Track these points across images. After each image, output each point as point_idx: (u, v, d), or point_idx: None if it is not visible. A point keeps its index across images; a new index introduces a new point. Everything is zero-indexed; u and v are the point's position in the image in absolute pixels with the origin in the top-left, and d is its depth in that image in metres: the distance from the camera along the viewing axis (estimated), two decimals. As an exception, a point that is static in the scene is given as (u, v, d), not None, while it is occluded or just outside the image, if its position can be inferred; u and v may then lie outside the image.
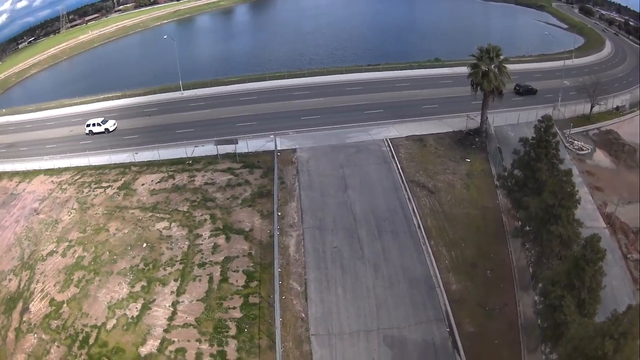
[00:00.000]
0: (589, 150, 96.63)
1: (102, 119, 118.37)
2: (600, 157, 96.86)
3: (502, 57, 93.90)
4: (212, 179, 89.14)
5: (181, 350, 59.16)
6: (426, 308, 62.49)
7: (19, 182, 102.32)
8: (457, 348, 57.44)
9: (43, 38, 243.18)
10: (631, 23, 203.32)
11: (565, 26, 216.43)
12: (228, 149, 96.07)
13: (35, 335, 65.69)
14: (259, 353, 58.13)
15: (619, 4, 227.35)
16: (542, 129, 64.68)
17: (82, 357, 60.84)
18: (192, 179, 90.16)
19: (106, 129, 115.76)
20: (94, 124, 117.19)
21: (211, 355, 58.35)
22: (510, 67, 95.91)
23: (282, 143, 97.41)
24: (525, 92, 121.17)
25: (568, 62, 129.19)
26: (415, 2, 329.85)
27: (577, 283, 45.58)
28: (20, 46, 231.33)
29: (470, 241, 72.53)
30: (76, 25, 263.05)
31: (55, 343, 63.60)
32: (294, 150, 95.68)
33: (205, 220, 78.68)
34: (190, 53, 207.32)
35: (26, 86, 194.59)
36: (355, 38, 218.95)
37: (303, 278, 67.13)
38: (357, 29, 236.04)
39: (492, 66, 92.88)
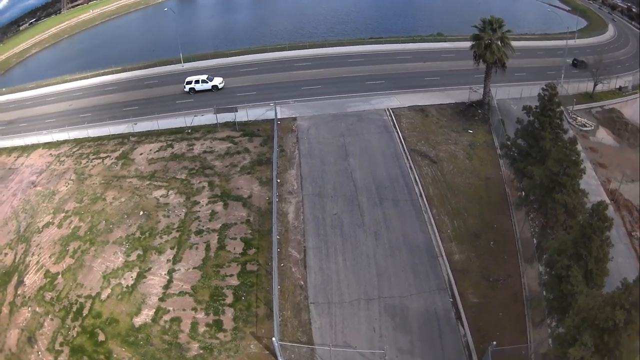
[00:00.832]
0: (592, 127, 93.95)
1: (207, 75, 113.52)
2: (603, 135, 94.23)
3: (504, 28, 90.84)
4: (211, 147, 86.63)
5: (176, 320, 56.71)
6: (428, 277, 59.98)
7: (18, 157, 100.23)
8: (460, 319, 55.06)
9: (44, 19, 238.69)
10: (634, 9, 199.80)
11: (568, 8, 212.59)
12: (227, 117, 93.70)
13: (29, 309, 63.22)
14: (256, 322, 55.70)
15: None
16: (546, 97, 61.65)
17: (75, 329, 58.41)
18: (191, 147, 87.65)
19: (214, 86, 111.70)
20: (197, 81, 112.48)
21: (207, 324, 55.91)
22: (512, 44, 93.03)
23: (282, 112, 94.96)
24: (580, 64, 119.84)
25: (570, 42, 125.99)
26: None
27: (584, 253, 43.12)
28: (21, 28, 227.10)
29: (472, 211, 69.84)
30: (78, 4, 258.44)
31: (49, 316, 61.17)
32: (294, 119, 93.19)
33: (204, 187, 76.25)
34: (191, 27, 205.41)
35: (27, 66, 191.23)
36: (355, 13, 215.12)
37: (302, 245, 64.64)
38: (358, 4, 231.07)
39: (495, 37, 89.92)
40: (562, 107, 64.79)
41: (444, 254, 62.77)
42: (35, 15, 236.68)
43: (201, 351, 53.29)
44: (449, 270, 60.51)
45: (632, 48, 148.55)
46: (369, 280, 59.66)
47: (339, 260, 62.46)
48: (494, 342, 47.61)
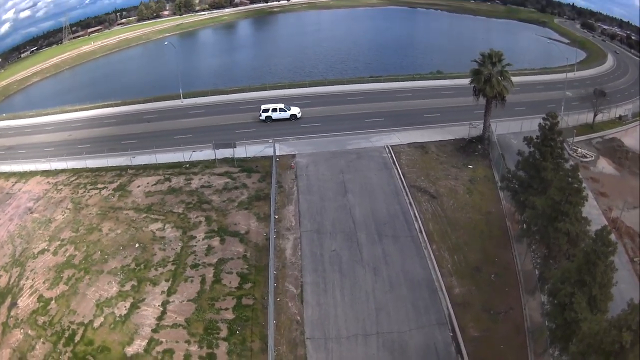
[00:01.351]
0: (593, 158, 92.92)
1: (283, 104, 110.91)
2: (604, 165, 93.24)
3: (504, 62, 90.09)
4: (208, 182, 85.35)
5: (169, 352, 54.85)
6: (428, 312, 58.14)
7: (15, 182, 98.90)
8: (460, 353, 53.03)
9: (45, 48, 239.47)
10: (633, 37, 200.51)
11: (567, 41, 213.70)
12: (226, 153, 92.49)
13: (22, 331, 61.88)
14: (250, 356, 53.68)
15: (621, 19, 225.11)
16: (547, 127, 61.10)
17: (67, 354, 56.85)
18: (189, 181, 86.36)
19: (293, 115, 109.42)
20: (274, 110, 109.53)
21: (200, 357, 53.93)
22: (513, 79, 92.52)
23: (281, 149, 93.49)
24: (600, 93, 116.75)
25: (570, 74, 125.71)
26: (417, 20, 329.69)
27: (587, 279, 41.96)
28: (22, 55, 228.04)
29: (473, 245, 68.28)
30: (79, 36, 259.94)
31: (41, 339, 59.76)
32: (293, 156, 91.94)
33: (200, 222, 74.74)
34: (192, 65, 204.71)
35: (27, 94, 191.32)
36: (355, 52, 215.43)
37: (299, 281, 62.87)
38: (357, 44, 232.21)
39: (495, 71, 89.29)
40: (562, 137, 63.83)
41: (444, 288, 61.00)
42: (37, 43, 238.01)
43: (194, 384, 50.82)
44: (449, 304, 58.65)
45: (632, 77, 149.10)
46: (367, 315, 57.70)
47: (337, 295, 60.60)
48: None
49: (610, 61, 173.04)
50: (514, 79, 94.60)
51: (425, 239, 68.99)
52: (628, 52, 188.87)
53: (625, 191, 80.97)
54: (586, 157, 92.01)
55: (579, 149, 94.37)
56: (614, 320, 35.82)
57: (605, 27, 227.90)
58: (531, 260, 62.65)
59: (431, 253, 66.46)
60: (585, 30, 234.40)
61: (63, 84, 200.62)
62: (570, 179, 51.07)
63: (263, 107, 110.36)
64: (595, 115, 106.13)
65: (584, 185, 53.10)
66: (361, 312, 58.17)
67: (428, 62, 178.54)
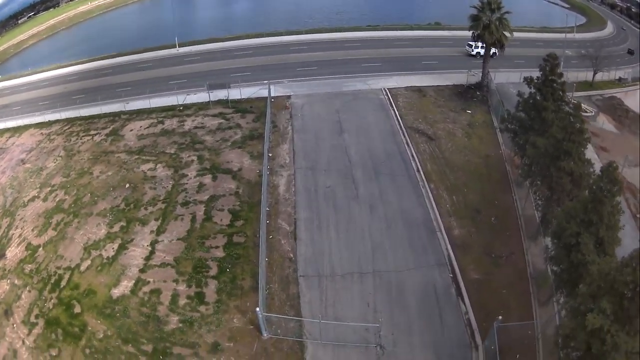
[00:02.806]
0: (593, 114, 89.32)
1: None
2: (604, 121, 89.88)
3: (503, 9, 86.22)
4: (202, 123, 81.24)
5: (156, 292, 51.01)
6: (426, 252, 54.18)
7: (9, 137, 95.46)
8: (461, 295, 49.32)
9: (43, 12, 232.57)
10: (633, 9, 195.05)
11: (567, 5, 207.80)
12: (220, 95, 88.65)
13: (9, 281, 58.27)
14: (240, 295, 49.82)
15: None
16: (547, 68, 57.53)
17: (52, 300, 53.19)
18: (182, 123, 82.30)
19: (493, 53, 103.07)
20: (479, 46, 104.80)
21: (188, 296, 50.07)
22: (511, 33, 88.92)
23: (276, 90, 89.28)
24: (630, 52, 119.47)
25: (570, 35, 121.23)
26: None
27: (594, 218, 38.90)
28: (19, 22, 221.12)
29: (472, 187, 64.25)
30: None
31: (27, 288, 56.21)
32: (289, 97, 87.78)
33: (192, 161, 70.83)
34: (188, 18, 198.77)
35: (24, 56, 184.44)
36: (352, 3, 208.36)
37: (293, 217, 58.96)
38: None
39: (494, 18, 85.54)
40: (565, 76, 59.80)
41: (442, 228, 57.09)
42: (34, 9, 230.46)
43: (180, 325, 47.46)
44: (449, 245, 54.81)
45: (631, 44, 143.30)
46: (363, 253, 53.78)
47: (332, 233, 56.64)
48: (500, 318, 41.83)
49: (609, 27, 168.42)
50: (514, 34, 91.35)
51: (423, 178, 65.04)
52: (628, 23, 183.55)
53: (626, 148, 77.20)
54: (586, 112, 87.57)
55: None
56: (626, 259, 32.07)
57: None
58: (532, 204, 58.60)
59: (429, 192, 62.54)
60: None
61: (59, 44, 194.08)
62: (572, 118, 48.07)
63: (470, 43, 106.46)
64: (595, 74, 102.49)
65: (586, 126, 49.30)
66: (356, 250, 54.25)
67: (426, 15, 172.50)
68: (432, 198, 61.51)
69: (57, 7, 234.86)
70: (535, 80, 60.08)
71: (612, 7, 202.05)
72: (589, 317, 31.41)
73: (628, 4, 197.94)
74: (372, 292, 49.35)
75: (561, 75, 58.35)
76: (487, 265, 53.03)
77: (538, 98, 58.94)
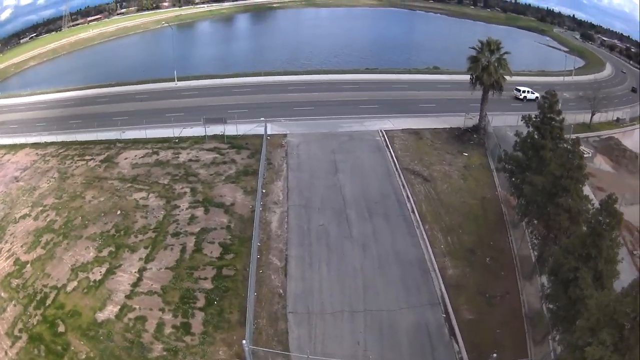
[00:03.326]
0: (590, 155, 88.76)
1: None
2: (601, 162, 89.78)
3: (502, 50, 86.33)
4: (197, 157, 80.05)
5: (141, 319, 49.34)
6: (419, 292, 52.63)
7: (4, 154, 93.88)
8: (454, 335, 47.61)
9: (45, 35, 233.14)
10: (632, 50, 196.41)
11: (566, 49, 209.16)
12: (216, 130, 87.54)
13: (-5, 293, 56.46)
14: (227, 328, 48.02)
15: (621, 33, 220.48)
16: (546, 105, 57.44)
17: (36, 317, 51.68)
18: (177, 155, 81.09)
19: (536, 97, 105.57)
20: (526, 91, 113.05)
21: (174, 326, 48.33)
22: (509, 78, 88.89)
23: (272, 129, 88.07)
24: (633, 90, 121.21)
25: (568, 78, 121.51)
26: (415, 21, 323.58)
27: (593, 252, 38.08)
28: (22, 41, 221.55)
29: (468, 228, 63.03)
30: (78, 24, 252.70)
31: (13, 302, 54.77)
32: (285, 135, 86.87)
33: (185, 192, 69.47)
34: (188, 53, 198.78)
35: (24, 77, 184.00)
36: (350, 48, 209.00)
37: (284, 254, 57.39)
38: (353, 39, 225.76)
39: (492, 59, 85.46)
40: (563, 116, 59.80)
41: (436, 268, 55.67)
42: (37, 30, 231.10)
43: (164, 353, 45.68)
44: (442, 285, 53.33)
45: (630, 85, 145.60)
46: (354, 291, 52.21)
47: (323, 270, 55.14)
48: (495, 355, 40.43)
49: (608, 69, 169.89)
50: (512, 78, 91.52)
51: (418, 219, 63.64)
52: (627, 64, 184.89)
53: (623, 187, 76.38)
54: (583, 154, 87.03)
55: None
56: (626, 289, 31.58)
57: (605, 38, 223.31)
58: (528, 244, 58.18)
59: (424, 233, 61.13)
60: (584, 41, 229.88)
61: (60, 68, 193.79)
62: (571, 155, 47.22)
63: (519, 88, 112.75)
64: (592, 115, 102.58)
65: (585, 162, 48.80)
66: (348, 288, 52.62)
67: (425, 59, 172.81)
68: (426, 239, 60.11)
69: (60, 30, 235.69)
70: (534, 119, 59.70)
71: (612, 48, 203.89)
72: (589, 350, 30.35)
73: (627, 45, 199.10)
74: (362, 331, 47.60)
75: (560, 112, 58.23)
76: (481, 305, 51.58)
77: (536, 137, 58.72)
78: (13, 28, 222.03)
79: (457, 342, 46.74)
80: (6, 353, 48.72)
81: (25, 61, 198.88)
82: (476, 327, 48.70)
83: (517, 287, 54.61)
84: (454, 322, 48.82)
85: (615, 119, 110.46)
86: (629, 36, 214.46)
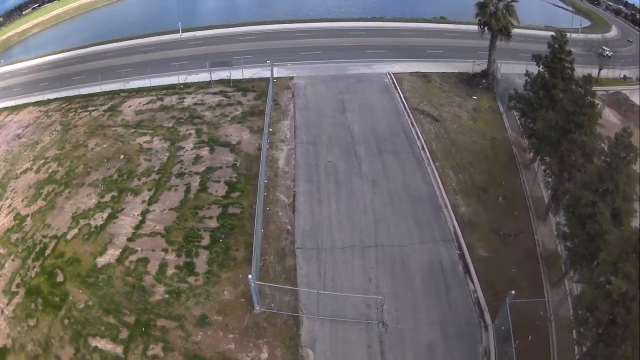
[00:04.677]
0: (599, 107, 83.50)
1: None
2: (610, 114, 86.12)
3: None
4: (202, 100, 76.49)
5: (143, 261, 46.12)
6: (432, 227, 49.27)
7: (7, 115, 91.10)
8: (469, 273, 44.39)
9: (47, 4, 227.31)
10: (638, 16, 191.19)
11: (572, 9, 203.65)
12: (222, 75, 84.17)
13: (-6, 250, 53.10)
14: (233, 266, 44.83)
15: (626, 0, 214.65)
16: (556, 46, 55.14)
17: (35, 269, 48.40)
18: (182, 100, 77.64)
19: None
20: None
21: (177, 266, 45.17)
22: (517, 31, 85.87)
23: (279, 72, 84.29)
24: None
25: (574, 35, 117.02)
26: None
27: (610, 186, 35.73)
28: (24, 12, 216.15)
29: (479, 167, 59.59)
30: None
31: (11, 256, 51.47)
32: (291, 78, 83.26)
33: (190, 134, 66.13)
34: (193, 7, 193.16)
35: (28, 44, 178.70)
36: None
37: (292, 190, 54.18)
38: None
39: (500, 5, 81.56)
40: (573, 56, 56.69)
41: (449, 205, 52.27)
42: (38, 0, 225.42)
43: (166, 296, 42.55)
44: (455, 222, 49.95)
45: (636, 47, 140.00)
46: (365, 227, 48.92)
47: (332, 205, 51.85)
48: (513, 292, 36.93)
49: (614, 31, 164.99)
50: (519, 30, 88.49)
51: (428, 156, 60.33)
52: (632, 29, 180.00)
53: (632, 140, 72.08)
54: (595, 92, 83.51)
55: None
56: None
57: (611, 3, 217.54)
58: (541, 186, 55.25)
59: (434, 170, 57.83)
60: (590, 3, 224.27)
61: (63, 32, 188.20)
62: (583, 91, 44.46)
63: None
64: (600, 70, 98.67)
65: (597, 101, 46.39)
66: (358, 223, 49.37)
67: (431, 11, 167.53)
68: (437, 175, 56.79)
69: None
70: (545, 58, 56.81)
71: (617, 13, 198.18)
72: (615, 282, 27.91)
73: (633, 11, 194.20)
74: (374, 267, 44.47)
75: (570, 53, 55.43)
76: (495, 243, 48.30)
77: (547, 76, 55.99)
78: (15, 2, 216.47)
79: (472, 281, 43.64)
80: (2, 312, 45.76)
81: (28, 29, 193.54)
82: (491, 265, 45.52)
83: (531, 227, 51.21)
84: (468, 259, 45.64)
85: (623, 76, 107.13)
86: (633, 4, 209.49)
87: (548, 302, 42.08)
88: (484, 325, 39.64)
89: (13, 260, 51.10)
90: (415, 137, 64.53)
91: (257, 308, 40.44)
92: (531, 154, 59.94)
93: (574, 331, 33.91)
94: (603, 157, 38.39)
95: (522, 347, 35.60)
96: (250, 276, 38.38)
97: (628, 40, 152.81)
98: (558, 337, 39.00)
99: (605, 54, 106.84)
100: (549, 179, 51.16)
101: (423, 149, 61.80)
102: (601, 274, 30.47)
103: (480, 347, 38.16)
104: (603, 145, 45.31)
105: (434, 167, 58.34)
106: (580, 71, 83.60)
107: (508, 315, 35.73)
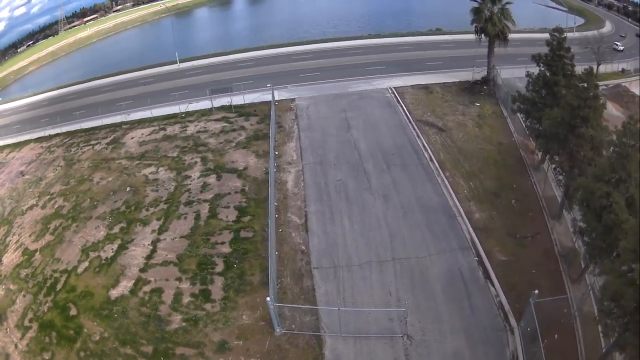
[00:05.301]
0: (602, 99, 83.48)
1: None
2: (612, 108, 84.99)
3: (504, 0, 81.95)
4: (205, 127, 76.05)
5: (157, 291, 45.44)
6: (448, 237, 48.65)
7: (9, 153, 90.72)
8: (489, 278, 43.71)
9: (42, 41, 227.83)
10: (630, 8, 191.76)
11: (565, 8, 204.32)
12: (223, 101, 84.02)
13: (4, 287, 52.95)
14: (249, 290, 44.15)
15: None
16: (555, 43, 55.29)
17: (47, 304, 47.69)
18: (185, 128, 77.26)
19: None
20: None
21: (192, 294, 44.48)
22: (514, 35, 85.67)
23: (280, 95, 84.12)
24: None
25: (570, 34, 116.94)
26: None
27: (623, 175, 35.82)
28: (19, 50, 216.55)
29: (489, 173, 59.16)
30: (75, 26, 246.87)
31: (22, 292, 50.81)
32: (292, 100, 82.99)
33: (196, 162, 65.59)
34: (189, 38, 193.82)
35: (25, 82, 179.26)
36: (349, 18, 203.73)
37: (303, 211, 53.49)
38: (351, 11, 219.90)
39: (495, 10, 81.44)
40: (572, 52, 56.72)
41: (462, 213, 51.71)
42: (33, 38, 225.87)
43: (184, 324, 41.81)
44: (470, 229, 49.36)
45: (630, 41, 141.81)
46: (380, 242, 48.23)
47: (345, 223, 51.11)
48: (536, 292, 36.21)
49: (608, 26, 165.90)
50: (514, 35, 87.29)
51: (437, 166, 59.88)
52: (626, 21, 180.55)
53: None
54: (598, 84, 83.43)
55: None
56: None
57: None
58: (552, 185, 55.30)
59: (445, 180, 57.33)
60: (581, 1, 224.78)
61: (60, 68, 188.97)
62: (586, 84, 45.00)
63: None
64: (598, 66, 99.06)
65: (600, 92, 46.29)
66: (373, 238, 48.67)
67: (426, 24, 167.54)
68: (448, 185, 56.27)
69: (56, 35, 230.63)
70: (544, 57, 56.88)
71: (609, 7, 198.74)
72: (638, 269, 27.77)
73: (625, 4, 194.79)
74: (393, 281, 43.76)
75: (569, 49, 55.59)
76: (512, 246, 47.73)
77: (548, 74, 56.02)
78: (9, 39, 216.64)
79: (494, 285, 42.93)
80: (16, 346, 45.05)
81: (24, 67, 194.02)
82: (510, 268, 44.89)
83: (547, 227, 50.65)
84: (487, 264, 44.97)
85: (621, 69, 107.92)
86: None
87: (571, 298, 41.53)
88: (509, 329, 38.92)
89: (24, 295, 50.45)
90: (422, 148, 64.06)
91: (278, 330, 39.69)
92: (539, 155, 59.65)
93: (599, 325, 33.42)
94: (612, 148, 38.44)
95: (549, 346, 35.11)
96: (268, 298, 37.68)
97: (620, 36, 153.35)
98: (584, 333, 38.40)
99: (619, 49, 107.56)
100: (560, 177, 50.62)
101: (431, 160, 61.32)
102: (623, 263, 30.13)
103: (508, 351, 37.39)
104: (611, 136, 44.91)
105: (443, 176, 57.80)
106: (579, 69, 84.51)
107: (533, 314, 35.09)
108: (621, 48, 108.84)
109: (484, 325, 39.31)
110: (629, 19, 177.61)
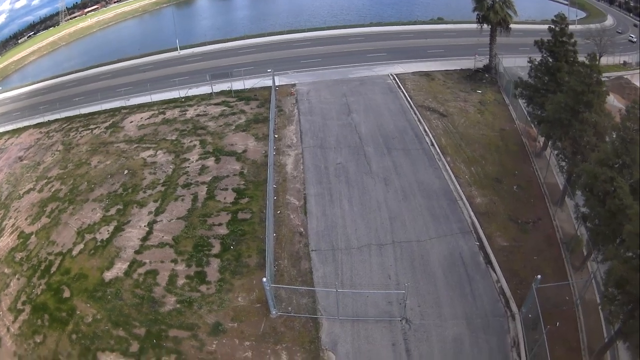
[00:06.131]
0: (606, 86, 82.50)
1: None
2: (614, 100, 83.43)
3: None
4: (204, 111, 74.86)
5: (152, 273, 44.15)
6: (449, 220, 47.37)
7: (8, 139, 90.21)
8: (490, 263, 42.46)
9: (43, 31, 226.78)
10: (632, 4, 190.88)
11: (566, 1, 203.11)
12: (223, 87, 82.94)
13: (-2, 271, 51.24)
14: (246, 273, 42.78)
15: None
16: (557, 30, 55.13)
17: (40, 286, 46.57)
18: (184, 112, 76.11)
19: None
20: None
21: (187, 276, 43.17)
22: (516, 26, 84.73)
23: (280, 80, 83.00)
24: None
25: (572, 27, 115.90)
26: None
27: (627, 160, 35.03)
28: (20, 41, 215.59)
29: (490, 159, 57.96)
30: (75, 16, 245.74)
31: (16, 275, 49.71)
32: (293, 85, 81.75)
33: (195, 145, 64.34)
34: (189, 27, 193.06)
35: (25, 71, 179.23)
36: (350, 7, 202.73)
37: (302, 193, 52.22)
38: (352, 1, 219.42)
39: None
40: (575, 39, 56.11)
41: (464, 197, 50.48)
42: (34, 29, 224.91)
43: (178, 305, 40.58)
44: (472, 213, 48.14)
45: (632, 34, 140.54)
46: (380, 224, 46.95)
47: (345, 206, 49.85)
48: (539, 277, 35.22)
49: (610, 20, 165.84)
50: (516, 26, 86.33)
51: (439, 151, 58.63)
52: (627, 16, 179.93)
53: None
54: (600, 70, 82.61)
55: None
56: None
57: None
58: (554, 171, 54.39)
59: (446, 164, 56.10)
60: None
61: (60, 58, 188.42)
62: (589, 70, 44.02)
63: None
64: (600, 57, 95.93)
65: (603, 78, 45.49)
66: (373, 221, 47.39)
67: (428, 14, 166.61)
68: (449, 169, 55.06)
69: (57, 25, 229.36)
70: (547, 42, 56.42)
71: (611, 2, 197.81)
72: None
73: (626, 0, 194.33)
74: (392, 264, 42.48)
75: (571, 35, 55.10)
76: (514, 231, 46.53)
77: (550, 61, 55.55)
78: (10, 31, 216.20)
79: (495, 271, 41.70)
80: (8, 329, 43.98)
81: (25, 57, 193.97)
82: (512, 254, 43.73)
83: (549, 213, 49.53)
84: (488, 249, 43.72)
85: (622, 62, 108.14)
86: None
87: (573, 285, 40.43)
88: (510, 315, 37.69)
89: (18, 279, 49.39)
90: (424, 133, 62.81)
91: (274, 312, 38.45)
92: (541, 142, 58.59)
93: (601, 313, 33.17)
94: (616, 133, 37.51)
95: (551, 334, 33.80)
96: (264, 279, 36.39)
97: (617, 32, 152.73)
98: (586, 320, 37.44)
99: (633, 40, 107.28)
100: (563, 163, 49.50)
101: (432, 144, 60.09)
102: (628, 248, 29.42)
103: (509, 337, 36.19)
104: (614, 120, 44.64)
105: (445, 161, 56.60)
106: (581, 59, 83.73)
107: (536, 299, 34.01)
108: (635, 40, 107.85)
109: (484, 310, 38.11)
110: (630, 14, 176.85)
